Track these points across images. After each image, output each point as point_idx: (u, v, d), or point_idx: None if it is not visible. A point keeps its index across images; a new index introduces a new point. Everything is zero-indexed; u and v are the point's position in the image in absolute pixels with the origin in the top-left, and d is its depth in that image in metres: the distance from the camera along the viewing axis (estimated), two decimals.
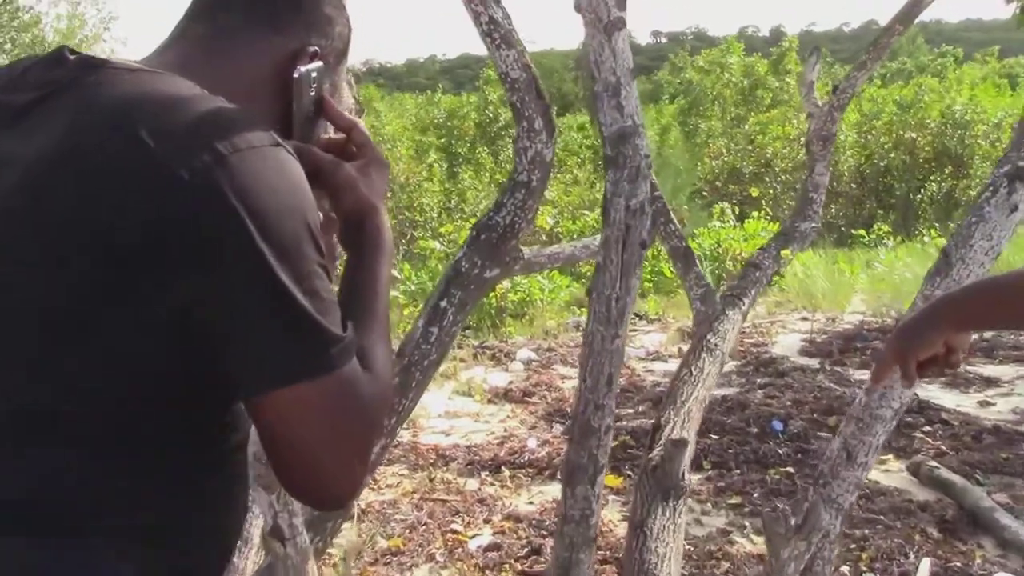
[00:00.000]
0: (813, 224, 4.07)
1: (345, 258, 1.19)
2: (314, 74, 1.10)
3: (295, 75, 1.08)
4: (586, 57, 1.90)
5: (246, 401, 0.95)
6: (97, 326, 0.89)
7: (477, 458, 5.36)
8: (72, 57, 1.01)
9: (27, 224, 0.91)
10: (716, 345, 3.51)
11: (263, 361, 0.90)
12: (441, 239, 12.27)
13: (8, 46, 17.75)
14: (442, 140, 22.43)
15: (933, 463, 4.84)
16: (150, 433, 0.94)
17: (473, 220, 14.54)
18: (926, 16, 3.89)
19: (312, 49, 1.11)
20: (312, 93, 1.11)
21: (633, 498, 3.01)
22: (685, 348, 7.92)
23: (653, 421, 3.38)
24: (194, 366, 0.93)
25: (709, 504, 4.63)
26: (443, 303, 2.75)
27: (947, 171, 20.04)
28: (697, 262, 3.65)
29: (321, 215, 1.72)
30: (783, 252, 3.91)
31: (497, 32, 2.67)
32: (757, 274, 3.84)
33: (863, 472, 2.60)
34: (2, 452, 0.91)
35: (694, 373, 3.41)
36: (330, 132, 1.23)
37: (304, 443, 0.93)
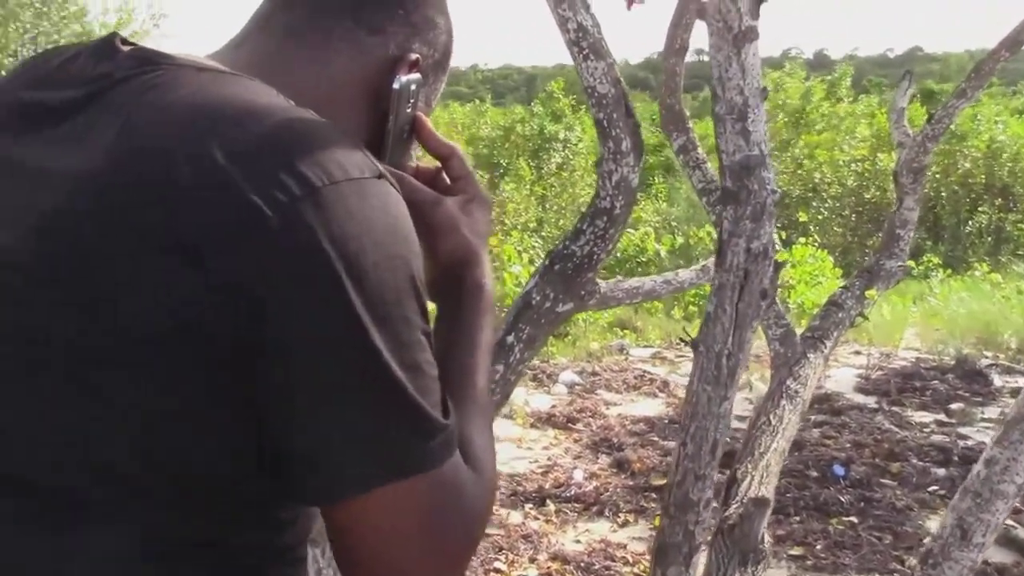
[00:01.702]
0: (900, 263, 3.77)
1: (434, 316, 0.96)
2: (413, 87, 0.93)
3: (395, 85, 0.91)
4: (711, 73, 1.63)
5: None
6: (146, 387, 0.68)
7: (521, 488, 5.11)
8: (125, 48, 0.80)
9: (71, 258, 0.70)
10: (797, 392, 3.23)
11: (344, 453, 0.70)
12: None
13: (55, 37, 17.76)
14: (486, 151, 22.22)
15: (1010, 521, 4.52)
16: (189, 520, 0.73)
17: (515, 233, 14.36)
18: None
19: (413, 56, 0.93)
20: (409, 110, 0.94)
21: (707, 560, 2.74)
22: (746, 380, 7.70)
23: (727, 473, 3.11)
24: (252, 449, 0.71)
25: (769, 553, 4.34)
26: (510, 338, 2.49)
27: (997, 203, 19.55)
28: (777, 300, 3.36)
29: None
30: (868, 292, 3.62)
31: (585, 41, 2.41)
32: (840, 315, 3.54)
33: (979, 554, 2.30)
34: (29, 533, 0.71)
35: (773, 422, 3.12)
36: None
37: (387, 556, 0.73)
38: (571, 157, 21.18)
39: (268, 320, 0.68)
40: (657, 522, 3.17)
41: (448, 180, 0.99)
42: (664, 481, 4.69)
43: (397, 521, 0.72)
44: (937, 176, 19.45)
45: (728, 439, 5.75)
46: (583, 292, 2.59)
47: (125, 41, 0.82)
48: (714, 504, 1.94)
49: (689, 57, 3.87)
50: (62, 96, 0.78)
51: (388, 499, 0.71)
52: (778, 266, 1.76)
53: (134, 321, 0.68)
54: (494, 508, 4.79)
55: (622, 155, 2.46)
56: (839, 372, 8.09)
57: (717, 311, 1.70)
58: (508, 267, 10.78)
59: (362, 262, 0.69)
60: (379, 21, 0.92)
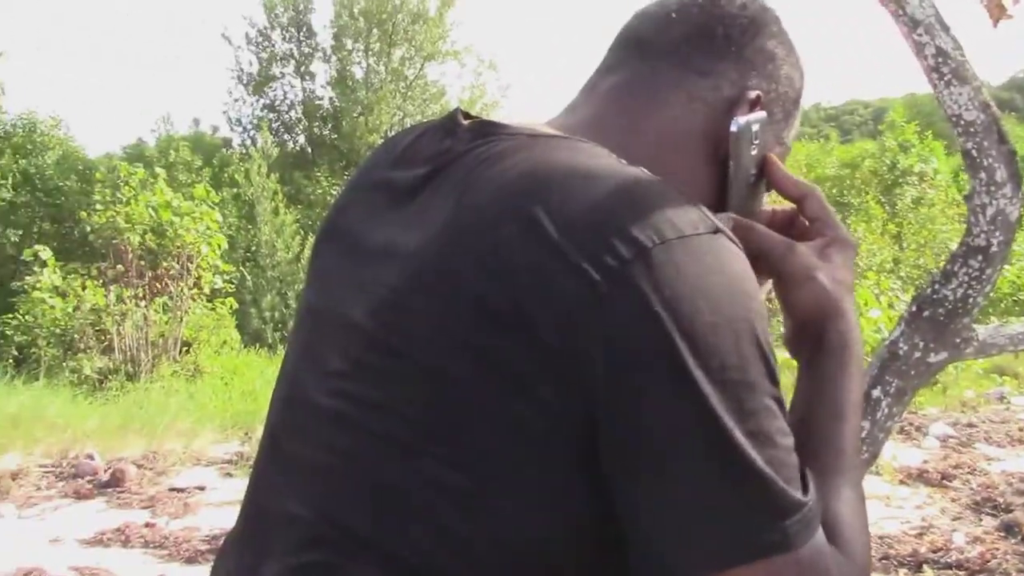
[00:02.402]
0: None
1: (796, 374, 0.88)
2: (756, 127, 0.88)
3: (732, 128, 0.86)
4: None
5: None
6: (485, 464, 0.68)
7: (893, 551, 4.74)
8: (465, 123, 0.82)
9: (413, 332, 0.72)
10: None
11: (686, 531, 0.65)
12: None
13: (419, 117, 19.43)
14: (833, 191, 21.34)
15: None
16: None
17: (870, 275, 13.61)
18: None
19: (753, 94, 0.89)
20: (753, 152, 0.89)
21: None
22: None
23: None
24: (595, 525, 0.69)
25: None
26: (876, 392, 2.32)
27: None
28: None
29: None
30: None
31: (947, 65, 2.22)
32: None
33: None
34: None
35: None
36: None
37: None
38: (928, 191, 19.86)
39: (603, 391, 0.66)
40: None
41: (806, 223, 0.93)
42: None
43: None
44: None
45: None
46: (958, 339, 2.36)
47: (467, 115, 0.85)
48: None
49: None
50: (409, 175, 0.81)
51: None
52: None
53: (472, 395, 0.68)
54: None
55: (996, 186, 2.23)
56: None
57: None
58: (865, 312, 10.22)
59: (696, 324, 0.66)
60: (709, 63, 0.89)
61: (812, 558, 0.66)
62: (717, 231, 0.71)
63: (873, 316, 9.65)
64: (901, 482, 5.97)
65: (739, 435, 0.65)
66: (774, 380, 0.69)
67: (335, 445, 0.75)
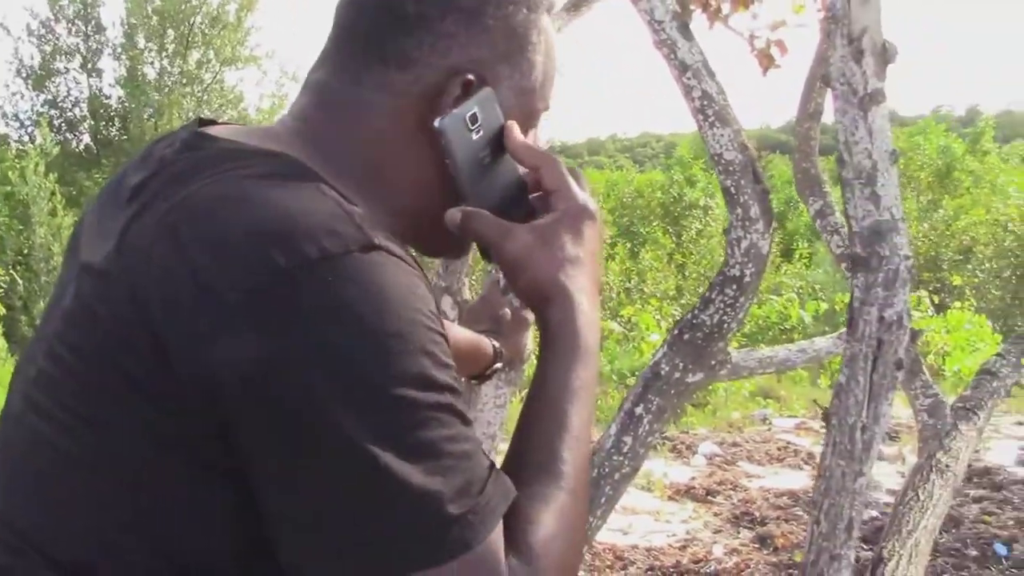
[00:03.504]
0: None
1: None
2: (472, 110, 0.82)
3: (435, 125, 0.81)
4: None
5: None
6: (136, 473, 0.69)
7: (658, 563, 4.96)
8: (188, 132, 0.79)
9: (72, 345, 0.72)
10: (948, 466, 3.05)
11: (330, 558, 0.64)
12: (620, 320, 11.94)
13: None
14: (624, 219, 22.20)
15: None
16: None
17: (654, 301, 14.22)
18: None
19: (465, 78, 0.81)
20: (477, 136, 0.82)
21: None
22: (884, 450, 7.35)
23: (872, 551, 2.95)
24: (247, 539, 0.70)
25: None
26: (639, 409, 2.45)
27: None
28: (924, 368, 3.21)
29: (508, 311, 1.46)
30: None
31: (711, 108, 2.40)
32: (994, 384, 3.35)
33: None
34: None
35: (922, 498, 2.96)
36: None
37: None
38: (710, 223, 20.95)
39: (236, 418, 0.65)
40: None
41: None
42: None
43: None
44: None
45: (879, 515, 5.47)
46: (714, 362, 2.53)
47: (205, 122, 0.83)
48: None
49: (829, 117, 3.78)
50: (138, 178, 0.78)
51: None
52: (914, 335, 1.68)
53: (121, 413, 0.69)
54: None
55: (751, 222, 2.41)
56: (1000, 444, 7.62)
57: (849, 382, 1.62)
58: (647, 336, 10.67)
59: (338, 347, 0.64)
60: (408, 52, 0.81)
61: (472, 567, 0.65)
62: (371, 247, 0.68)
63: (653, 340, 10.12)
64: (670, 498, 6.27)
65: (379, 453, 0.63)
66: (439, 388, 0.67)
67: (14, 449, 0.76)
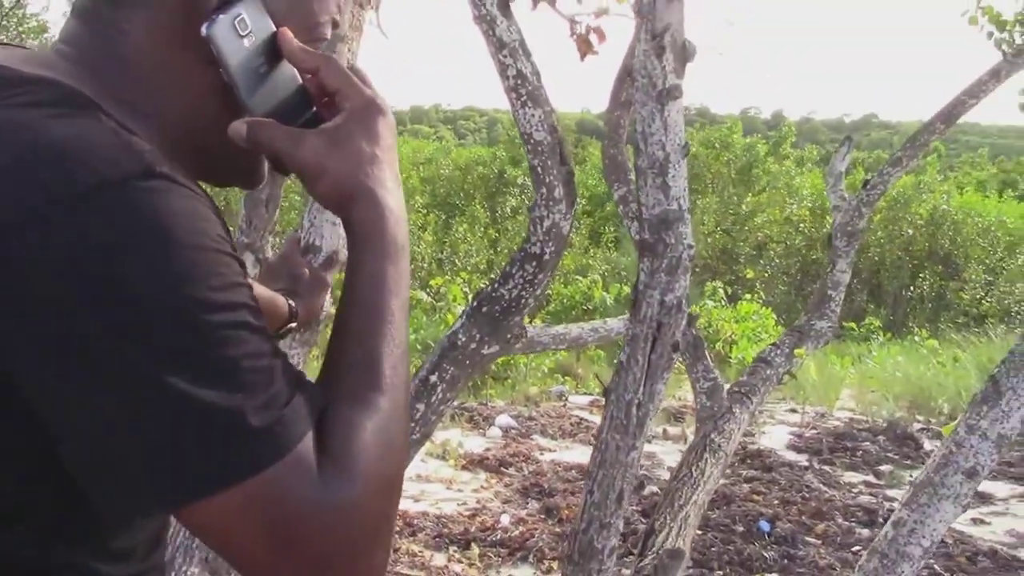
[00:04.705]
0: (830, 324, 3.83)
1: None
2: (239, 15, 0.78)
3: (203, 32, 0.77)
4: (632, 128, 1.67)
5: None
6: None
7: (447, 530, 5.06)
8: None
9: None
10: (720, 446, 3.25)
11: (134, 480, 0.64)
12: (429, 291, 12.00)
13: None
14: (441, 191, 22.27)
15: None
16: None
17: (464, 274, 14.36)
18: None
19: None
20: (248, 42, 0.79)
21: None
22: (670, 430, 7.73)
23: (646, 523, 3.11)
24: (49, 473, 0.68)
25: None
26: (433, 378, 2.49)
27: (938, 270, 20.02)
28: (707, 353, 3.40)
29: (307, 271, 1.46)
30: (797, 351, 3.67)
31: (524, 88, 2.44)
32: (768, 371, 3.59)
33: None
34: None
35: (694, 475, 3.14)
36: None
37: (241, 565, 0.68)
38: (527, 202, 21.30)
39: (14, 348, 0.63)
40: None
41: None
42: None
43: (232, 534, 0.66)
44: (881, 241, 19.87)
45: (658, 491, 5.74)
46: (509, 335, 2.59)
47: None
48: (618, 552, 1.94)
49: None
50: None
51: (208, 517, 0.65)
52: (691, 319, 1.78)
53: None
54: (417, 548, 4.76)
55: (554, 202, 2.48)
56: (773, 429, 8.16)
57: (629, 361, 1.71)
58: (454, 308, 10.78)
59: (118, 278, 0.63)
60: None
61: (284, 474, 0.65)
62: (152, 175, 0.67)
63: (459, 312, 10.21)
64: (464, 467, 6.38)
65: (174, 379, 0.63)
66: (231, 307, 0.67)
67: None
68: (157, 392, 0.63)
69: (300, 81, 0.85)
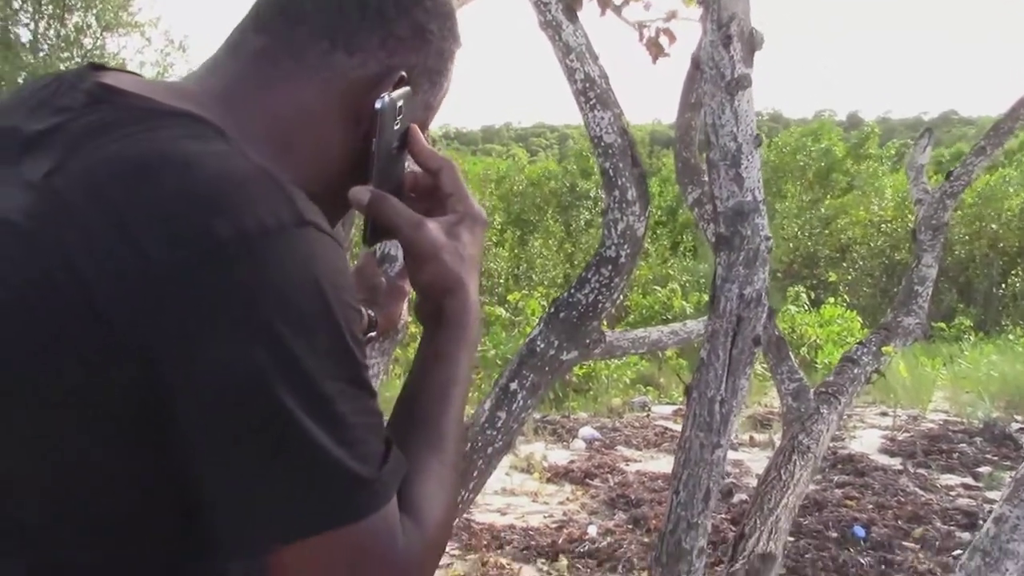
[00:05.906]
0: (918, 320, 3.72)
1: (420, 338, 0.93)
2: (400, 103, 0.89)
3: (377, 105, 0.86)
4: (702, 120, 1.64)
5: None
6: (56, 436, 0.70)
7: (534, 543, 5.04)
8: (90, 81, 0.78)
9: None
10: (809, 447, 3.18)
11: (248, 512, 0.69)
12: (507, 306, 12.02)
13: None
14: (515, 207, 22.32)
15: None
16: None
17: (541, 289, 14.35)
18: None
19: (400, 75, 0.89)
20: (397, 126, 0.90)
21: None
22: (757, 437, 7.60)
23: (736, 529, 3.06)
24: (167, 501, 0.73)
25: None
26: (513, 385, 2.48)
27: None
28: (791, 354, 3.33)
29: (384, 281, 1.47)
30: (884, 348, 3.58)
31: (593, 91, 2.43)
32: (855, 371, 3.50)
33: None
34: None
35: (783, 478, 3.08)
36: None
37: None
38: (599, 215, 21.20)
39: (169, 380, 0.67)
40: None
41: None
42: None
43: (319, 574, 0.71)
44: (967, 238, 19.32)
45: (748, 499, 5.64)
46: (588, 340, 2.58)
47: (99, 67, 0.81)
48: (708, 560, 1.91)
49: None
50: (39, 126, 0.75)
51: (304, 554, 0.69)
52: (771, 313, 1.74)
53: (41, 372, 0.68)
54: (505, 561, 4.74)
55: (627, 204, 2.46)
56: (864, 433, 7.97)
57: (710, 357, 1.68)
58: (532, 322, 10.77)
59: (269, 320, 0.67)
60: (359, 40, 0.87)
61: (378, 526, 0.71)
62: (304, 224, 0.71)
63: None
64: (549, 480, 6.36)
65: (306, 420, 0.68)
66: (353, 363, 0.72)
67: None
68: (295, 435, 0.68)
69: (406, 172, 0.96)
